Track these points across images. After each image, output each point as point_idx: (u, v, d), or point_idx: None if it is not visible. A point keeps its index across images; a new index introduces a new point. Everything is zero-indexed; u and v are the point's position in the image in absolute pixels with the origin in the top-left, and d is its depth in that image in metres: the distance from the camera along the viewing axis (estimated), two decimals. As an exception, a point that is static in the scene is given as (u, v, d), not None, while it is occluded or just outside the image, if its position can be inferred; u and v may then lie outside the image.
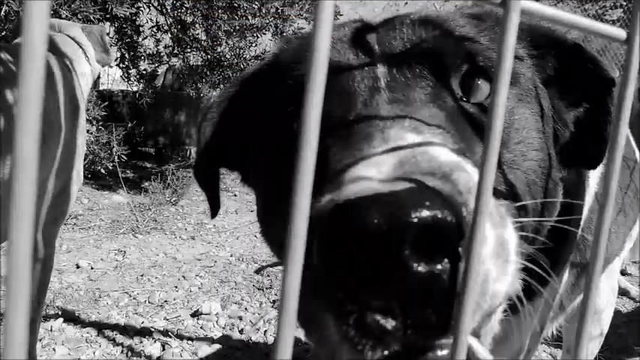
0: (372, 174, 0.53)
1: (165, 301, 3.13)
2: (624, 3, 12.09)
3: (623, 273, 4.00)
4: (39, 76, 0.20)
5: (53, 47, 2.24)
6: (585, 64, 0.90)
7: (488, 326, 0.59)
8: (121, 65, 5.62)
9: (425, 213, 0.44)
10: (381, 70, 0.75)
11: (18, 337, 0.22)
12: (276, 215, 0.81)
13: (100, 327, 2.77)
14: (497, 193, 0.68)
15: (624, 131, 0.35)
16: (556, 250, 1.11)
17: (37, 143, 0.21)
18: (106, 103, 5.58)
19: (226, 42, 5.89)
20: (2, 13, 3.67)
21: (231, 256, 4.09)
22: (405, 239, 0.44)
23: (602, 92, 0.90)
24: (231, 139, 1.02)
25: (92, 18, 4.15)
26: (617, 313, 3.21)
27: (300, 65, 0.81)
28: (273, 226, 0.86)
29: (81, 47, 2.38)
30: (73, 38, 2.38)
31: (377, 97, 0.71)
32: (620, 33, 0.38)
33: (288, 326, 0.25)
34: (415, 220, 0.43)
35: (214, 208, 1.13)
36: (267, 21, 5.83)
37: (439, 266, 0.45)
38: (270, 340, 2.72)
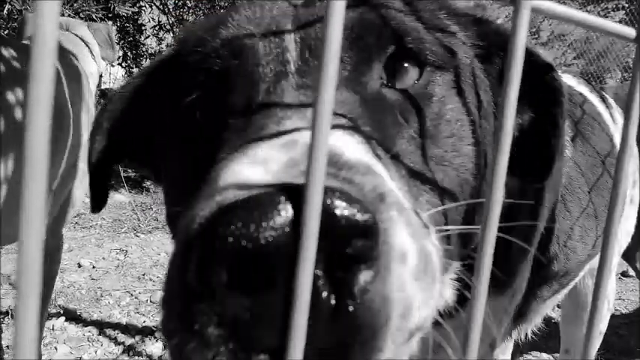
0: (257, 176, 0.43)
1: (167, 301, 3.13)
2: (626, 5, 12.09)
3: (624, 274, 3.99)
4: (49, 76, 0.20)
5: (60, 46, 2.25)
6: (536, 71, 0.82)
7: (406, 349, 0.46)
8: (123, 64, 5.63)
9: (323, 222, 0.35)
10: (292, 52, 0.66)
11: (28, 336, 0.21)
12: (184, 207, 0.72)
13: (102, 326, 2.78)
14: (423, 193, 0.62)
15: (634, 131, 0.35)
16: (511, 259, 1.06)
17: (48, 142, 0.21)
18: (108, 102, 5.57)
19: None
20: (5, 11, 3.67)
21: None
22: (274, 262, 0.35)
23: (552, 103, 0.84)
24: (137, 131, 0.93)
25: (95, 17, 4.15)
26: (618, 315, 3.21)
27: (202, 50, 0.71)
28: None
29: (87, 46, 2.39)
30: (80, 37, 2.39)
31: (283, 83, 0.63)
32: (630, 31, 0.38)
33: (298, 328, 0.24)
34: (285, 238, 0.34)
35: (98, 202, 1.01)
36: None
37: (332, 299, 0.37)
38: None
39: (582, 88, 1.75)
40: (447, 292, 0.79)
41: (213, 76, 0.69)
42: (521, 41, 0.27)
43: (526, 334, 1.72)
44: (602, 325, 2.01)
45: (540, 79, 0.83)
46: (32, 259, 0.21)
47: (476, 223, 0.76)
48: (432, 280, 0.44)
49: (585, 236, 1.43)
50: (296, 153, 0.46)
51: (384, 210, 0.42)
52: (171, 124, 0.77)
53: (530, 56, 0.80)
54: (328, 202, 0.35)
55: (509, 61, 0.28)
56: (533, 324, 1.68)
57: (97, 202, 1.01)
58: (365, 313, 0.38)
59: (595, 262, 1.71)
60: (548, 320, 3.01)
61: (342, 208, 0.35)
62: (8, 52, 1.74)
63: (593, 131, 1.55)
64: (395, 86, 0.68)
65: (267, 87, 0.63)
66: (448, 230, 0.64)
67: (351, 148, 0.49)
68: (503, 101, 0.30)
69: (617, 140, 1.68)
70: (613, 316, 3.12)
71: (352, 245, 0.36)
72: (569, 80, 1.75)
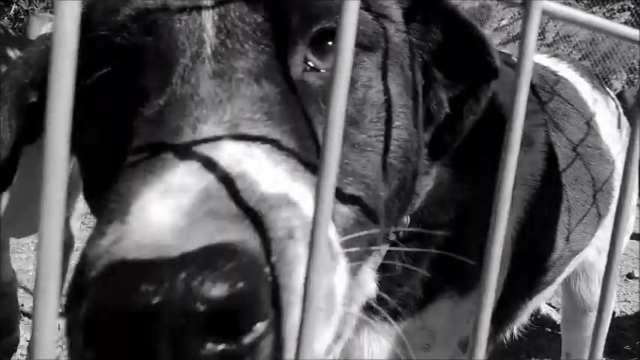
0: (165, 219, 0.41)
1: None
2: (632, 6, 12.06)
3: (629, 276, 3.98)
4: (69, 75, 0.21)
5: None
6: (473, 46, 0.79)
7: None
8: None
9: (203, 298, 0.35)
10: (209, 32, 0.59)
11: (47, 336, 0.21)
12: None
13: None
14: (345, 186, 0.60)
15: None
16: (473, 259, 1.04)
17: (68, 139, 0.21)
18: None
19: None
20: (12, 12, 3.70)
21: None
22: (180, 328, 0.35)
23: (481, 79, 0.82)
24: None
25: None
26: (623, 316, 3.20)
27: (110, 20, 0.64)
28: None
29: None
30: None
31: (199, 70, 0.57)
32: (634, 33, 0.38)
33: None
34: (195, 307, 0.35)
35: (5, 179, 0.91)
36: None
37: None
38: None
39: (569, 73, 1.65)
40: (369, 287, 0.79)
41: (123, 52, 0.62)
42: (532, 44, 0.28)
43: (512, 333, 1.69)
44: (604, 327, 1.99)
45: (478, 54, 0.80)
46: (52, 255, 0.21)
47: (402, 201, 0.76)
48: (330, 313, 0.46)
49: (564, 230, 1.38)
50: (212, 180, 0.44)
51: (291, 248, 0.42)
52: (80, 95, 0.69)
53: (467, 28, 0.79)
54: (213, 294, 0.35)
55: (518, 65, 0.29)
56: (518, 323, 1.63)
57: (3, 183, 0.90)
58: None
59: (582, 258, 1.68)
60: (553, 323, 3.01)
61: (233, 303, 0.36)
62: (15, 53, 1.75)
63: (567, 117, 1.44)
64: (321, 68, 0.64)
65: (182, 73, 0.57)
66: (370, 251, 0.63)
67: (268, 175, 0.47)
68: (512, 107, 0.30)
69: (602, 129, 1.58)
70: (619, 318, 3.12)
71: (247, 320, 0.37)
72: (545, 61, 1.66)
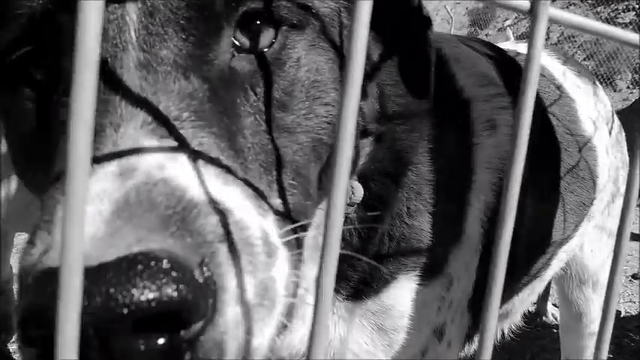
0: (87, 229, 0.41)
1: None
2: (637, 6, 12.01)
3: (635, 277, 3.97)
4: (92, 73, 0.22)
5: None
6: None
7: None
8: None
9: (122, 305, 0.36)
10: (131, 14, 0.54)
11: (70, 335, 0.22)
12: (37, 161, 0.63)
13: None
14: (278, 179, 0.60)
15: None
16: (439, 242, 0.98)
17: (91, 139, 0.22)
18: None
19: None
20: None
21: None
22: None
23: (417, 31, 0.82)
24: None
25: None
26: (629, 317, 3.20)
27: None
28: (35, 173, 0.66)
29: None
30: None
31: (122, 58, 0.52)
32: (634, 37, 0.39)
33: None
34: (115, 314, 0.37)
35: None
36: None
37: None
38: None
39: (549, 61, 1.62)
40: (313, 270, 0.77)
41: (43, 31, 0.58)
42: (539, 51, 0.28)
43: (503, 333, 1.65)
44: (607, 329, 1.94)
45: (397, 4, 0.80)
46: (75, 254, 0.22)
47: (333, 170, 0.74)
48: (271, 307, 0.47)
49: (542, 218, 1.35)
50: (133, 186, 0.44)
51: (222, 251, 0.44)
52: (4, 74, 0.65)
53: None
54: (148, 297, 0.37)
55: (524, 74, 0.29)
56: (510, 321, 1.58)
57: None
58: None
59: (572, 253, 1.65)
60: (557, 324, 3.00)
61: (158, 299, 0.37)
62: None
63: (545, 103, 1.42)
64: (249, 51, 0.61)
65: (105, 59, 0.53)
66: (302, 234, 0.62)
67: (196, 179, 0.47)
68: (518, 105, 0.31)
69: (581, 115, 1.53)
70: (624, 319, 3.11)
71: (182, 321, 0.39)
72: (505, 44, 1.64)
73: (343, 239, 0.85)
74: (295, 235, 0.57)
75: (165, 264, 0.39)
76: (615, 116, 1.81)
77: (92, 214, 0.42)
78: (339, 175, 0.25)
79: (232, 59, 0.60)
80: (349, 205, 0.85)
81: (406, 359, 0.99)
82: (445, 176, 1.01)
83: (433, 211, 0.98)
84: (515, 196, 0.32)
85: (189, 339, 0.40)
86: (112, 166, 0.45)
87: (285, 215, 0.59)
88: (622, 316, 3.16)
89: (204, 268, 0.41)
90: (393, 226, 0.93)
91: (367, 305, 0.94)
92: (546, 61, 1.62)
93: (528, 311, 2.25)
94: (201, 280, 0.41)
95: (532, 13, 0.31)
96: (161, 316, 0.38)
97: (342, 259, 0.84)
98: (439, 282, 1.00)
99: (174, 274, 0.38)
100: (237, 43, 0.60)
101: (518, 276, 1.35)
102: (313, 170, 0.67)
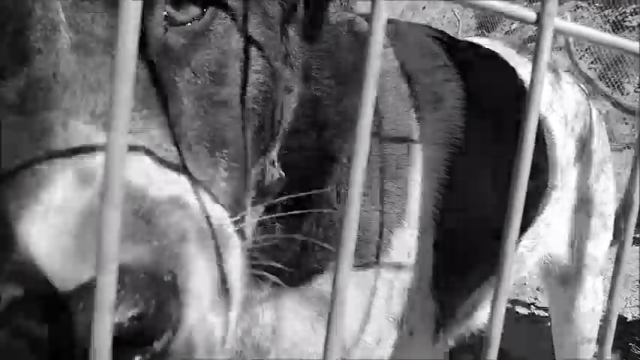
0: (52, 245, 0.39)
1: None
2: (645, 9, 11.95)
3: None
4: (129, 74, 0.23)
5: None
6: None
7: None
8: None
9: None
10: None
11: (103, 342, 0.22)
12: None
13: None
14: (216, 162, 0.58)
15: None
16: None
17: (126, 140, 0.23)
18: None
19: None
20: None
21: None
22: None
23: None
24: None
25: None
26: (636, 320, 3.18)
27: None
28: None
29: None
30: None
31: (55, 40, 0.48)
32: (634, 45, 0.40)
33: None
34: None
35: None
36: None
37: None
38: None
39: (500, 48, 1.57)
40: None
41: None
42: (544, 62, 0.30)
43: (472, 332, 1.54)
44: (594, 330, 1.83)
45: None
46: (109, 260, 0.23)
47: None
48: (231, 296, 0.47)
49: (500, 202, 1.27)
50: (93, 193, 0.41)
51: (185, 252, 0.43)
52: None
53: None
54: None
55: (530, 88, 0.31)
56: (477, 320, 1.48)
57: None
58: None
59: (547, 251, 1.63)
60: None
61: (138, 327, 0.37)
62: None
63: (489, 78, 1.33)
64: (182, 22, 0.58)
65: (37, 43, 0.48)
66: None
67: (153, 177, 0.45)
68: (522, 127, 0.32)
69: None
70: (631, 323, 3.10)
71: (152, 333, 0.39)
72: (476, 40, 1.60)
73: (266, 226, 0.82)
74: (246, 223, 0.56)
75: (137, 281, 0.38)
76: (587, 106, 1.75)
77: (58, 230, 0.39)
78: (356, 174, 0.27)
79: (165, 34, 0.56)
80: (269, 191, 0.81)
81: (358, 348, 0.94)
82: (382, 155, 0.96)
83: (370, 193, 0.93)
84: (522, 199, 0.33)
85: (162, 349, 0.40)
86: (68, 172, 0.42)
87: (233, 200, 0.58)
88: (628, 320, 3.15)
89: (173, 274, 0.41)
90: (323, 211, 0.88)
91: (302, 292, 0.90)
92: (502, 50, 1.57)
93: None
94: (171, 289, 0.40)
95: (538, 23, 0.32)
96: (136, 332, 0.37)
97: (275, 244, 0.81)
98: (383, 266, 0.95)
99: (147, 289, 0.38)
100: (168, 13, 0.57)
101: (476, 268, 1.26)
102: (254, 148, 0.66)
